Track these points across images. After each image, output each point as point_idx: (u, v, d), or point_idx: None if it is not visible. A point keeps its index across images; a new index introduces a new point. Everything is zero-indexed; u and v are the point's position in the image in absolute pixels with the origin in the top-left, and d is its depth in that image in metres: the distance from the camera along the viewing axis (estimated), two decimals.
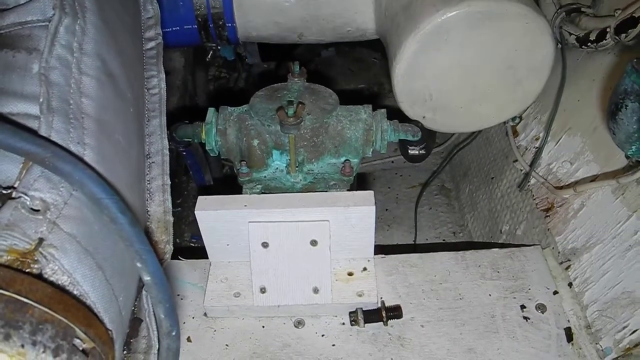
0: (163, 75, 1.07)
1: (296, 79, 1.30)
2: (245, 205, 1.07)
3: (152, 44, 1.09)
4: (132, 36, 1.02)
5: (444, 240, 1.74)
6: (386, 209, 1.86)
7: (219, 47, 1.65)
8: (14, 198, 0.66)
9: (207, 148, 1.27)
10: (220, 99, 1.81)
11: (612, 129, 0.92)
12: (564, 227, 1.24)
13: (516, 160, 1.47)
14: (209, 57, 1.75)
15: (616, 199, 1.13)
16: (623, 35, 1.13)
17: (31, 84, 0.73)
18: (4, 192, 0.67)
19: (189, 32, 1.53)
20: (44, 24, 0.77)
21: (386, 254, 1.23)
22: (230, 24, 1.51)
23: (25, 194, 0.66)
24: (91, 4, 0.82)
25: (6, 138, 0.60)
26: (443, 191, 1.92)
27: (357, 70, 2.38)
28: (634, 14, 1.09)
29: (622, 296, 1.05)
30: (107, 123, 0.79)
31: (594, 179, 1.19)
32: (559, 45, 1.34)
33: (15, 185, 0.67)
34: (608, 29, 1.17)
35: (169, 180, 1.02)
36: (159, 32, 1.11)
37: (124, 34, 0.95)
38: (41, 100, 0.71)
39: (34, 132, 0.68)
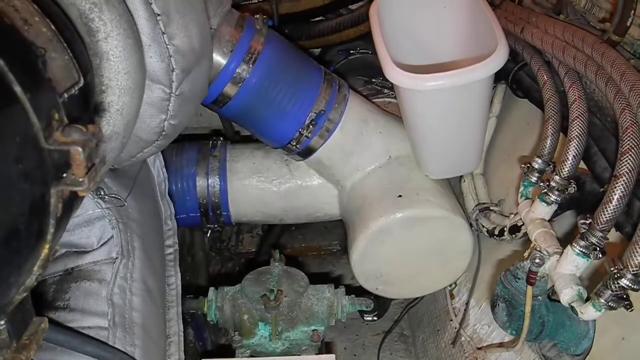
0: (179, 275, 1.45)
1: (277, 264, 1.71)
2: None
3: (170, 249, 1.48)
4: (159, 249, 1.42)
5: None
6: (354, 354, 2.20)
7: (216, 227, 2.06)
8: None
9: (207, 319, 1.64)
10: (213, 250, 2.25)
11: (494, 317, 1.30)
12: None
13: (452, 320, 1.85)
14: (207, 235, 2.16)
15: (516, 358, 1.50)
16: (514, 234, 1.55)
17: (102, 305, 1.12)
18: None
19: (193, 218, 1.93)
20: (108, 261, 1.17)
21: None
22: (225, 213, 1.92)
23: None
24: (138, 244, 1.23)
25: (97, 350, 0.98)
26: (402, 338, 2.26)
27: (331, 227, 2.79)
28: (517, 223, 1.51)
29: None
30: (147, 326, 1.18)
31: (501, 343, 1.57)
32: (477, 233, 1.76)
33: None
34: (505, 229, 1.59)
35: (183, 355, 1.37)
36: (176, 240, 1.50)
37: (154, 252, 1.35)
38: (109, 318, 1.10)
39: (106, 343, 1.06)
